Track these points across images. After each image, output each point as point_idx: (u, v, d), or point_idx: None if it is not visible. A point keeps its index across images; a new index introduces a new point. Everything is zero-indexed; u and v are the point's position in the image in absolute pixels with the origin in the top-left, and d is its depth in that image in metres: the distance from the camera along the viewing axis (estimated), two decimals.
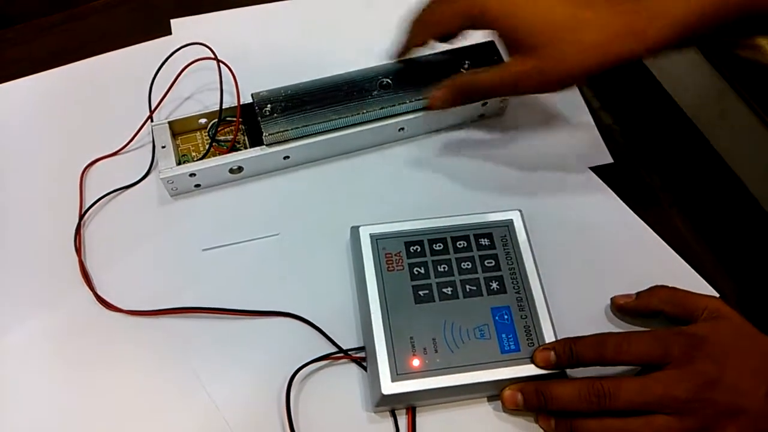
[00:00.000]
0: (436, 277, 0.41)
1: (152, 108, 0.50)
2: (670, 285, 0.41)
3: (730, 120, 0.86)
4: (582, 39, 0.38)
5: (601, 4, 0.38)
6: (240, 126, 0.47)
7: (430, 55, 0.49)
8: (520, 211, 0.44)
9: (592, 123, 0.51)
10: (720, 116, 0.88)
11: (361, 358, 0.41)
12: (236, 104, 0.47)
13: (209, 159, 0.46)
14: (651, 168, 0.53)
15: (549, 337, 0.39)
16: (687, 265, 0.45)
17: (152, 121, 0.49)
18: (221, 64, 0.50)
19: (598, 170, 0.49)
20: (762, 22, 0.38)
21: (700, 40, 0.39)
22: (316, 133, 0.46)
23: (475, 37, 0.50)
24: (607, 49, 0.37)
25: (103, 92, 0.53)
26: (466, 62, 0.48)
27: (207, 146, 0.47)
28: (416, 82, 0.47)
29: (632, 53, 0.37)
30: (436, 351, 0.38)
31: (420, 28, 0.44)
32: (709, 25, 0.37)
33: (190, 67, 0.50)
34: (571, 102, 0.53)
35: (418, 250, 0.42)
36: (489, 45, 0.49)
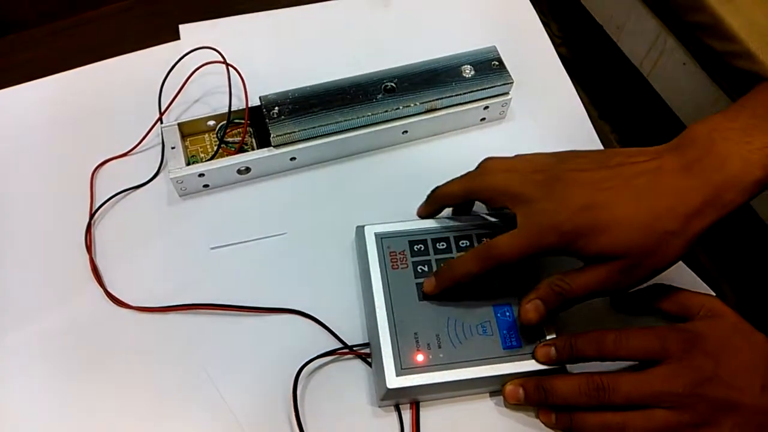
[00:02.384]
0: None
1: (162, 110, 0.51)
2: (667, 284, 0.42)
3: None
4: (666, 232, 0.35)
5: (670, 185, 0.36)
6: (248, 128, 0.48)
7: (433, 60, 0.50)
8: None
9: (592, 130, 0.53)
10: None
11: (366, 354, 0.42)
12: (244, 107, 0.48)
13: (218, 160, 0.47)
14: None
15: (549, 334, 0.40)
16: (684, 264, 0.46)
17: (162, 122, 0.50)
18: (230, 68, 0.51)
19: None
20: None
21: None
22: (322, 135, 0.48)
23: (476, 41, 0.51)
24: (689, 233, 0.36)
25: (113, 95, 0.54)
26: (468, 67, 0.49)
27: (215, 147, 0.48)
28: (420, 86, 0.49)
29: (711, 224, 0.36)
30: (440, 347, 0.39)
31: (458, 193, 0.43)
32: None
33: (199, 71, 0.51)
34: (571, 109, 0.54)
35: (422, 248, 0.43)
36: (490, 50, 0.50)
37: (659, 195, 0.36)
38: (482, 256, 0.39)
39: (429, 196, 0.45)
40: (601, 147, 0.52)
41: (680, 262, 0.45)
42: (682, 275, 0.45)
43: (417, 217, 0.44)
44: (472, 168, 0.49)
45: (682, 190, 0.36)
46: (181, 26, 0.57)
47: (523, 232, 0.38)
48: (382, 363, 0.39)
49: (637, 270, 0.36)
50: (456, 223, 0.44)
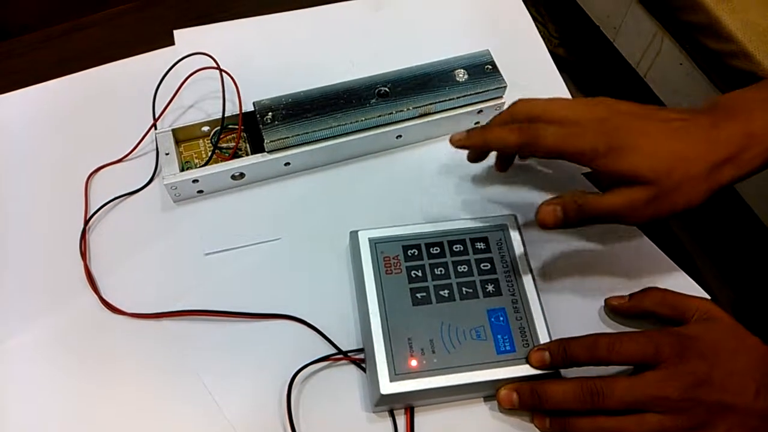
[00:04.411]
0: (433, 280, 0.42)
1: (156, 116, 0.51)
2: (662, 287, 0.42)
3: None
4: (689, 174, 0.37)
5: (700, 135, 0.38)
6: (242, 133, 0.49)
7: (426, 64, 0.50)
8: (515, 215, 0.45)
9: None
10: None
11: (360, 359, 0.42)
12: (238, 112, 0.48)
13: (212, 166, 0.47)
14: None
15: (543, 338, 0.40)
16: (679, 268, 0.46)
17: (156, 129, 0.50)
18: (223, 73, 0.51)
19: (591, 176, 0.50)
20: None
21: None
22: (316, 140, 0.48)
23: (469, 45, 0.51)
24: (711, 182, 0.38)
25: (107, 101, 0.54)
26: (461, 71, 0.49)
27: (209, 153, 0.48)
28: (413, 90, 0.49)
29: (731, 180, 0.38)
30: (434, 352, 0.39)
31: (488, 139, 0.42)
32: None
33: (193, 76, 0.51)
34: None
35: (416, 253, 0.43)
36: (484, 54, 0.50)
37: (690, 140, 0.38)
38: (524, 131, 0.40)
39: (475, 133, 0.43)
40: None
41: (674, 265, 0.46)
42: (676, 279, 0.45)
43: (411, 223, 0.44)
44: (468, 173, 0.50)
45: (710, 142, 0.38)
46: (175, 31, 0.57)
47: (567, 130, 0.39)
48: (375, 368, 0.39)
49: (657, 203, 0.38)
50: (450, 228, 0.44)
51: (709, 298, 0.43)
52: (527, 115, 0.41)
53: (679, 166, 0.37)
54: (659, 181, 0.37)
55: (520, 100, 0.43)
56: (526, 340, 0.40)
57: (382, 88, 0.49)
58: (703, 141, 0.38)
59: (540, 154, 0.40)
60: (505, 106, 0.51)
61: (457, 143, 0.44)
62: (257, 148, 0.48)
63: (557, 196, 0.40)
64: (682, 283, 0.45)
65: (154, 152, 0.50)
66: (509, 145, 0.41)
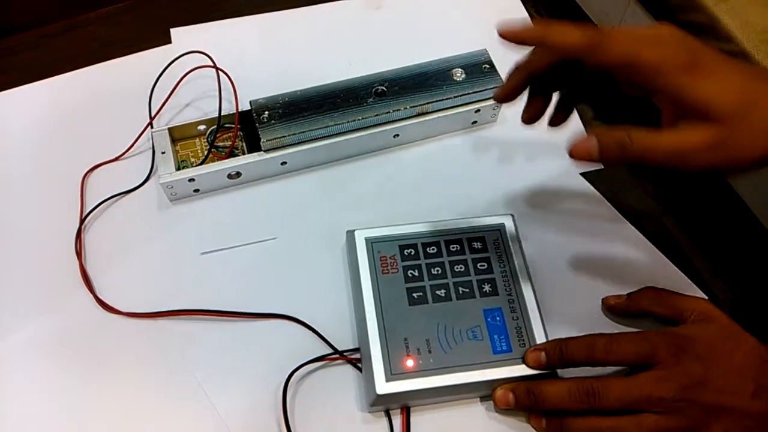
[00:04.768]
0: (429, 280, 0.42)
1: (152, 115, 0.51)
2: (659, 287, 0.42)
3: None
4: (756, 140, 0.32)
5: None
6: (238, 132, 0.48)
7: (423, 63, 0.50)
8: (512, 215, 0.45)
9: (583, 129, 0.52)
10: None
11: (357, 359, 0.41)
12: (235, 111, 0.48)
13: (208, 164, 0.47)
14: (643, 175, 0.54)
15: (540, 338, 0.40)
16: (676, 268, 0.46)
17: (152, 127, 0.50)
18: (220, 72, 0.51)
19: (589, 175, 0.50)
20: None
21: None
22: (312, 139, 0.47)
23: (467, 44, 0.51)
24: None
25: (104, 99, 0.53)
26: (459, 70, 0.49)
27: (206, 152, 0.48)
28: (411, 89, 0.48)
29: None
30: (430, 351, 0.39)
31: (547, 34, 0.35)
32: None
33: (189, 75, 0.51)
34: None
35: (412, 253, 0.43)
36: (481, 53, 0.50)
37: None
38: (590, 31, 0.33)
39: (532, 28, 0.36)
40: None
41: (671, 264, 0.46)
42: (674, 279, 0.45)
43: (407, 223, 0.44)
44: (465, 172, 0.50)
45: None
46: (172, 30, 0.57)
47: (643, 34, 0.33)
48: (371, 368, 0.38)
49: (722, 148, 0.32)
50: (446, 228, 0.44)
51: (706, 298, 0.43)
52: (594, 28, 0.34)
53: (760, 109, 0.31)
54: (733, 120, 0.31)
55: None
56: (523, 340, 0.40)
57: (379, 87, 0.48)
58: None
59: (604, 64, 0.33)
60: (503, 106, 0.51)
61: (507, 35, 0.36)
62: (254, 147, 0.47)
63: (604, 130, 0.34)
64: (679, 284, 0.45)
65: (150, 151, 0.50)
66: (571, 44, 0.33)
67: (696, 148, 0.32)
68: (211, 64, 0.51)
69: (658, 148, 0.33)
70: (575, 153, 0.34)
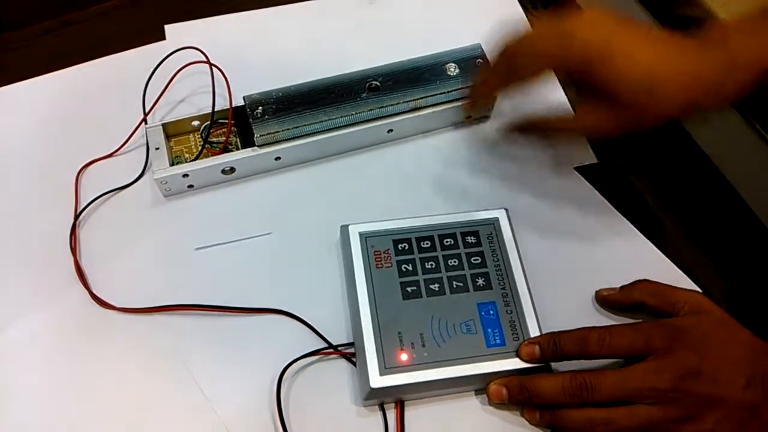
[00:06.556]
0: (423, 274, 0.42)
1: (146, 111, 0.51)
2: (653, 280, 0.42)
3: (718, 121, 0.87)
4: (676, 98, 0.37)
5: (692, 54, 0.38)
6: (232, 128, 0.48)
7: (417, 58, 0.50)
8: (506, 209, 0.45)
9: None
10: (707, 117, 0.89)
11: (351, 353, 0.42)
12: (228, 107, 0.48)
13: (202, 160, 0.47)
14: (641, 171, 0.54)
15: (534, 332, 0.40)
16: (670, 262, 0.46)
17: (146, 123, 0.50)
18: (214, 68, 0.51)
19: (583, 170, 0.50)
20: None
21: None
22: (306, 135, 0.47)
23: (461, 39, 0.51)
24: (693, 103, 0.38)
25: (98, 96, 0.53)
26: (453, 65, 0.49)
27: (200, 148, 0.48)
28: (404, 84, 0.48)
29: (712, 106, 0.38)
30: (424, 345, 0.39)
31: (501, 78, 0.42)
32: None
33: (183, 70, 0.51)
34: (555, 103, 0.54)
35: (406, 247, 0.43)
36: (475, 48, 0.50)
37: (676, 59, 0.37)
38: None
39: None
40: (586, 142, 0.51)
41: (664, 257, 0.46)
42: (668, 273, 0.45)
43: (401, 217, 0.44)
44: (459, 167, 0.50)
45: (700, 60, 0.37)
46: (166, 26, 0.57)
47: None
48: (365, 362, 0.39)
49: (631, 121, 0.38)
50: (440, 222, 0.44)
51: (700, 290, 0.43)
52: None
53: (665, 84, 0.37)
54: (638, 97, 0.37)
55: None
56: (517, 334, 0.40)
57: (373, 82, 0.48)
58: (690, 63, 0.37)
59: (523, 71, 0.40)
60: (497, 100, 0.51)
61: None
62: (248, 142, 0.47)
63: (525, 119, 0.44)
64: (674, 278, 0.44)
65: (145, 147, 0.50)
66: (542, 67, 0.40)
67: (606, 127, 0.39)
68: (205, 59, 0.51)
69: (577, 127, 0.42)
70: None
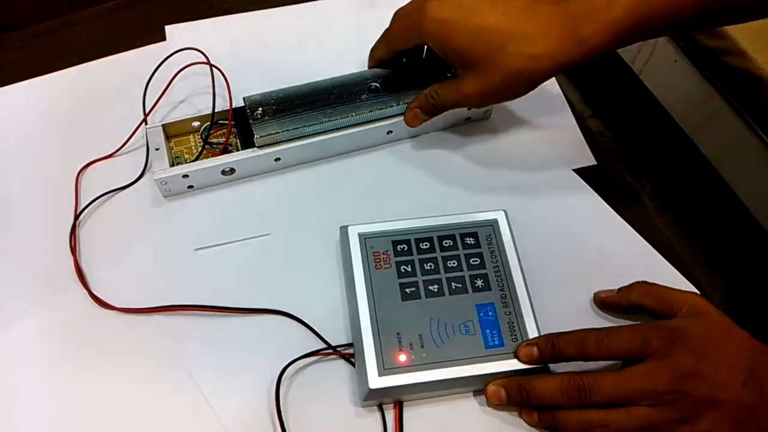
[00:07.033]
0: (422, 275, 0.42)
1: (146, 111, 0.51)
2: (651, 281, 0.42)
3: (717, 124, 0.88)
4: (526, 51, 0.40)
5: (546, 10, 0.40)
6: (232, 129, 0.48)
7: (417, 60, 0.50)
8: (505, 211, 0.45)
9: (576, 125, 0.53)
10: (707, 121, 0.89)
11: (350, 354, 0.42)
12: (228, 107, 0.48)
13: (202, 161, 0.47)
14: (641, 173, 0.55)
15: (532, 333, 0.40)
16: (668, 264, 0.46)
17: (146, 124, 0.50)
18: (214, 69, 0.51)
19: (581, 172, 0.50)
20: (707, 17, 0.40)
21: (646, 39, 0.41)
22: (306, 136, 0.47)
23: None
24: (551, 59, 0.40)
25: (98, 96, 0.54)
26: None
27: (200, 148, 0.48)
28: (404, 86, 0.49)
29: (574, 61, 0.39)
30: (423, 346, 0.39)
31: (382, 44, 0.49)
32: (647, 27, 0.39)
33: (183, 71, 0.51)
34: (554, 105, 0.54)
35: (406, 248, 0.43)
36: None
37: (526, 13, 0.40)
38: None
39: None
40: (584, 143, 0.52)
41: (663, 259, 0.46)
42: (666, 275, 0.45)
43: (401, 219, 0.44)
44: (458, 169, 0.50)
45: (548, 16, 0.40)
46: (167, 27, 0.57)
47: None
48: (364, 363, 0.39)
49: (489, 90, 0.42)
50: (439, 223, 0.44)
51: (698, 293, 0.43)
52: None
53: (505, 52, 0.39)
54: (484, 66, 0.40)
55: None
56: (515, 335, 0.40)
57: (373, 84, 0.49)
58: (545, 18, 0.39)
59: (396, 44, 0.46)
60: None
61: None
62: (247, 143, 0.48)
63: (415, 99, 0.47)
64: (672, 280, 0.45)
65: (145, 147, 0.50)
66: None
67: (468, 97, 0.43)
68: (205, 60, 0.51)
69: (446, 100, 0.45)
70: (411, 121, 0.48)
